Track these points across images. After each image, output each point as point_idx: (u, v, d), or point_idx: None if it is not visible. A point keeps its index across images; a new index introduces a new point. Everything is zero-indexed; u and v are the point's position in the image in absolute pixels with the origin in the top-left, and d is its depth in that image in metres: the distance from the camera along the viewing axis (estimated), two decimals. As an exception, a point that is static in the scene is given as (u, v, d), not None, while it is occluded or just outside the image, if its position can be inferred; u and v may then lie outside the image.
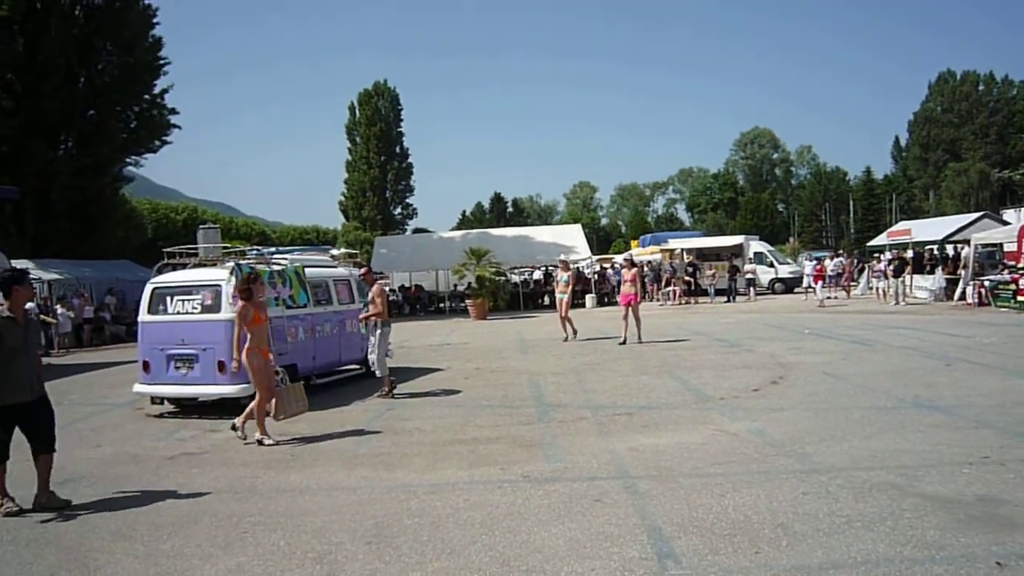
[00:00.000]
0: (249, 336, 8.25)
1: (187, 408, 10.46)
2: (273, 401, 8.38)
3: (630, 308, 15.78)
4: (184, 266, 11.23)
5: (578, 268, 34.54)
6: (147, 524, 5.59)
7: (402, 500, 5.87)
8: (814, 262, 30.20)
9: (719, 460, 6.58)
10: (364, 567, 4.56)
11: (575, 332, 17.22)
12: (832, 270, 30.42)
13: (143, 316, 10.41)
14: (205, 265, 11.04)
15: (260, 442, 8.17)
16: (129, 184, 37.04)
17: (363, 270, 11.77)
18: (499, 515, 5.37)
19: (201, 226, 12.57)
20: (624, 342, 15.53)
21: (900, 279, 23.40)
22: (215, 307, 9.91)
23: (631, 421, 8.38)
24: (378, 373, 10.73)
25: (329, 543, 4.99)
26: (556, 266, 36.65)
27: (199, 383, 9.95)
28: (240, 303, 8.34)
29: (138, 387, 10.38)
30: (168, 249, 11.41)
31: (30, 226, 26.80)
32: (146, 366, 10.22)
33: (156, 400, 10.55)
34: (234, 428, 8.45)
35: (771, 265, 34.16)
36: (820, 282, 26.26)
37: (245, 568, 4.64)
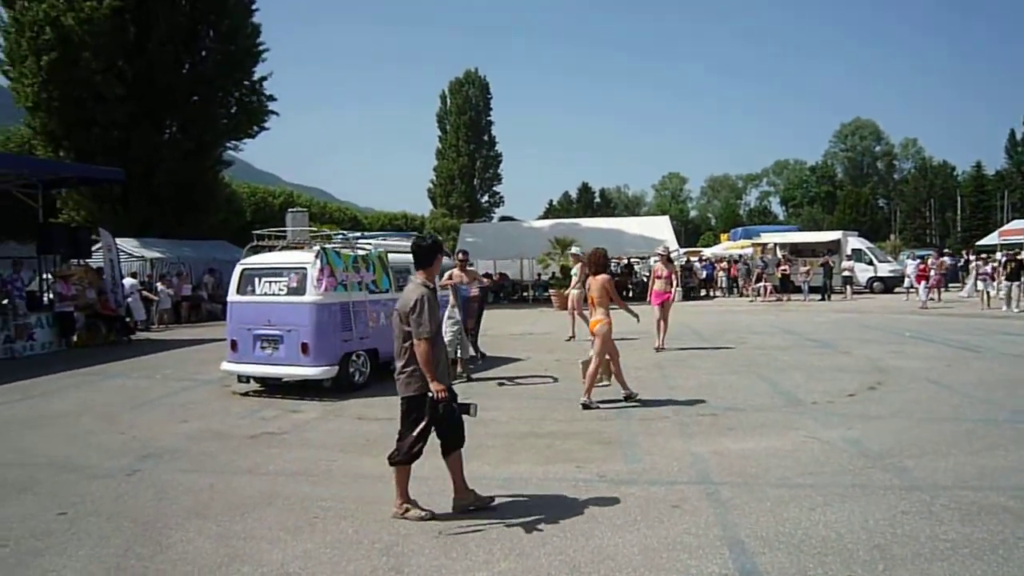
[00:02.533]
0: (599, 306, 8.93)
1: (272, 388, 10.66)
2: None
3: (662, 308, 14.04)
4: (273, 248, 11.44)
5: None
6: (222, 503, 5.65)
7: (474, 493, 5.73)
8: (917, 261, 28.59)
9: (810, 470, 6.18)
10: (430, 562, 4.44)
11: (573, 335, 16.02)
12: (940, 270, 28.69)
13: (232, 296, 10.66)
14: (293, 248, 11.22)
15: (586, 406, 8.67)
16: (229, 168, 38.41)
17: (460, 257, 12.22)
18: (572, 516, 5.16)
19: (290, 210, 12.80)
20: (660, 348, 13.70)
21: (1017, 283, 21.57)
22: (300, 289, 10.04)
23: (716, 422, 8.02)
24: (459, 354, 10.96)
25: (397, 534, 4.91)
26: (642, 258, 36.35)
27: (283, 363, 10.10)
28: (604, 276, 9.15)
29: (225, 365, 10.64)
30: (258, 231, 11.63)
31: (136, 207, 28.06)
32: (234, 345, 10.46)
33: (242, 379, 10.79)
34: (586, 407, 8.71)
35: (870, 263, 32.58)
36: (923, 282, 24.82)
37: (312, 555, 4.59)
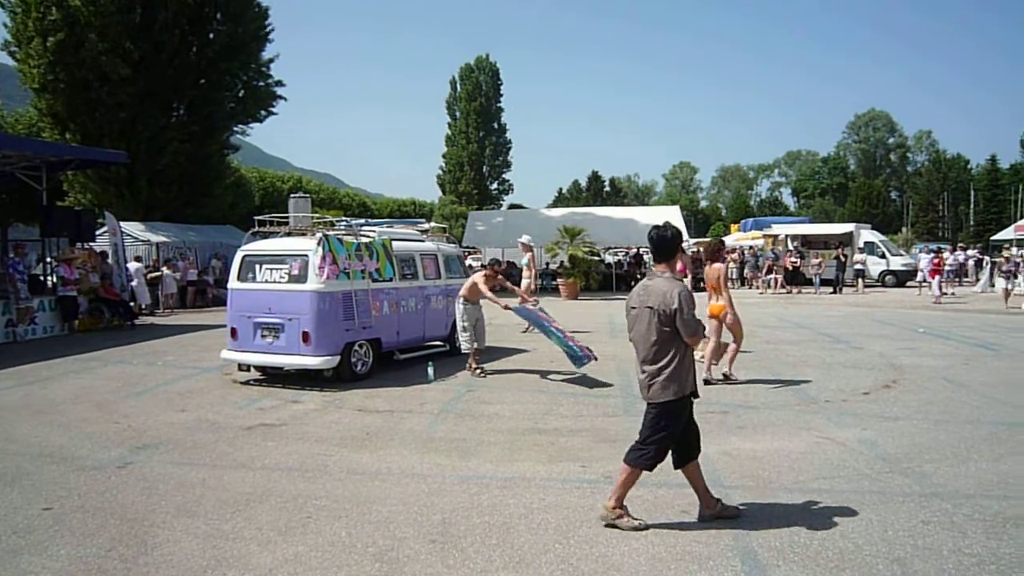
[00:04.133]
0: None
1: (272, 376, 10.47)
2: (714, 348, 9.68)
3: None
4: (275, 235, 11.21)
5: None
6: (213, 500, 5.45)
7: (473, 494, 5.51)
8: (931, 255, 28.18)
9: (824, 474, 5.93)
10: (425, 569, 4.22)
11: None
12: (951, 264, 28.31)
13: (232, 283, 10.45)
14: (295, 235, 10.99)
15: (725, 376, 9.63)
16: (239, 152, 38.22)
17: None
18: (576, 520, 4.94)
19: (292, 195, 12.57)
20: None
21: None
22: (302, 277, 9.82)
23: (725, 420, 7.77)
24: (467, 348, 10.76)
25: (392, 537, 4.69)
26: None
27: (284, 352, 9.90)
28: (719, 264, 9.76)
29: (226, 353, 10.44)
30: (259, 217, 11.40)
31: (142, 190, 27.91)
32: (234, 333, 10.26)
33: (243, 367, 10.59)
34: (725, 377, 9.65)
35: (882, 256, 32.14)
36: (937, 277, 24.43)
37: (302, 559, 4.38)
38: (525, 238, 17.44)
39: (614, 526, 4.77)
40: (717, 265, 9.83)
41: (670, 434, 4.81)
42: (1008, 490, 5.47)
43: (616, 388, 9.60)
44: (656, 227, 5.10)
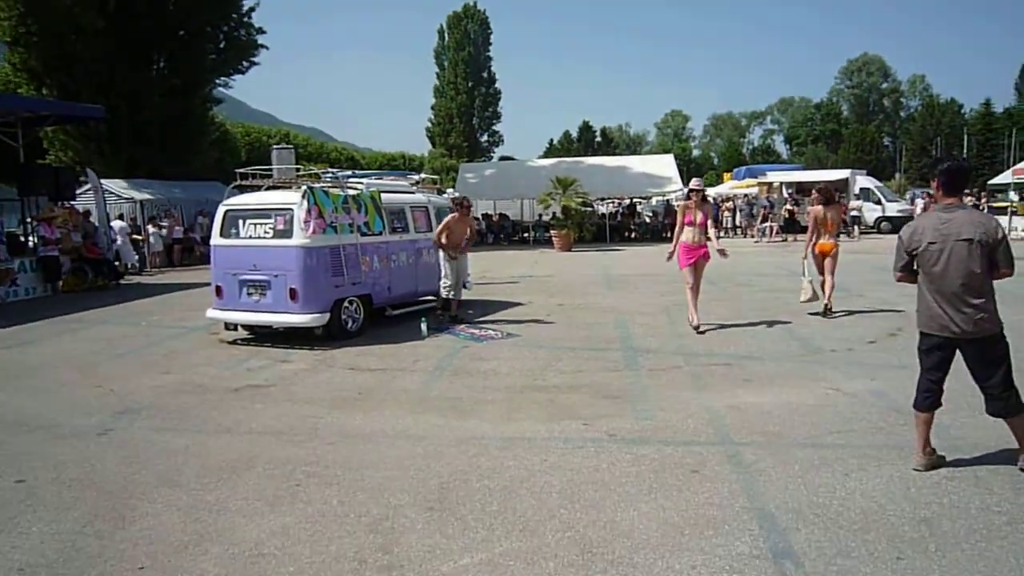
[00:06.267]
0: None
1: (260, 336, 10.15)
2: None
3: (695, 270, 9.87)
4: (258, 188, 10.77)
5: (668, 201, 33.15)
6: (196, 467, 5.16)
7: (472, 456, 5.24)
8: (927, 199, 27.83)
9: (837, 427, 5.68)
10: (422, 540, 3.95)
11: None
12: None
13: (215, 239, 10.06)
14: (279, 187, 10.56)
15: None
16: (223, 107, 37.30)
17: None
18: (580, 483, 4.67)
19: (275, 147, 12.07)
20: (699, 328, 9.77)
21: None
22: (287, 232, 9.43)
23: (730, 373, 7.51)
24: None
25: (387, 505, 4.42)
26: (645, 198, 35.50)
27: (271, 311, 9.56)
28: (834, 206, 10.78)
29: (211, 312, 10.11)
30: (241, 170, 10.93)
31: (123, 147, 27.17)
32: (219, 291, 9.91)
33: (230, 326, 10.26)
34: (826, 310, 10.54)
35: (878, 202, 31.85)
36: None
37: (290, 531, 4.11)
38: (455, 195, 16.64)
39: None
40: (833, 206, 10.89)
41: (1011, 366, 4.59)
42: (1030, 441, 5.21)
43: (616, 341, 9.32)
44: (952, 157, 5.01)
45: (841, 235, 11.54)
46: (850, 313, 10.89)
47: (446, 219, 10.77)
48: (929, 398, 4.76)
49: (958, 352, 4.73)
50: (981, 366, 4.63)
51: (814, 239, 10.85)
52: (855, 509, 4.16)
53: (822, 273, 10.90)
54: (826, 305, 10.68)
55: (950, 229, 4.59)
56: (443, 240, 10.61)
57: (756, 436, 5.51)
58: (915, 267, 4.82)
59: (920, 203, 27.92)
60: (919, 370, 4.91)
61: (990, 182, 38.92)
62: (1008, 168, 38.79)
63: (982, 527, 3.91)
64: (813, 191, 11.96)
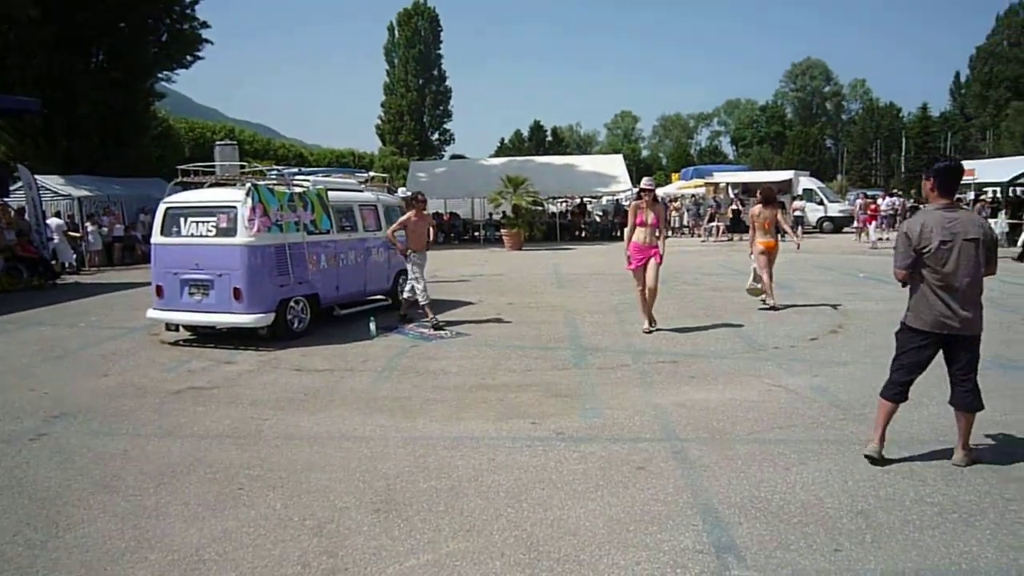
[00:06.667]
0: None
1: (204, 337, 9.92)
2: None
3: (646, 271, 9.54)
4: (201, 185, 10.53)
5: (617, 201, 33.46)
6: (135, 472, 5.01)
7: (419, 456, 5.20)
8: (863, 199, 28.68)
9: (779, 423, 5.80)
10: (368, 542, 3.90)
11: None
12: (886, 210, 28.89)
13: (156, 238, 9.79)
14: (222, 185, 10.34)
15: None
16: (167, 101, 36.32)
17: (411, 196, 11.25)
18: (528, 482, 4.68)
19: (218, 143, 11.83)
20: (650, 330, 9.74)
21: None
22: (231, 230, 9.24)
23: (676, 370, 7.61)
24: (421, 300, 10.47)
25: (332, 508, 4.35)
26: (595, 198, 35.75)
27: (214, 311, 9.36)
28: (773, 207, 11.26)
29: (152, 313, 9.84)
30: (183, 167, 10.67)
31: (60, 141, 26.29)
32: (159, 291, 9.66)
33: (171, 327, 10.01)
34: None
35: (820, 203, 32.67)
36: (874, 223, 24.84)
37: (232, 535, 4.02)
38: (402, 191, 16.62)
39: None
40: (772, 208, 11.33)
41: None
42: (962, 434, 5.39)
43: (566, 340, 9.37)
44: (947, 158, 5.10)
45: (784, 236, 11.74)
46: (790, 307, 11.43)
47: (402, 218, 10.57)
48: (902, 391, 4.90)
49: None
50: (965, 361, 4.78)
51: (755, 237, 11.48)
52: (795, 502, 4.25)
53: (766, 267, 11.35)
54: (764, 298, 11.37)
55: (957, 228, 4.66)
56: (396, 239, 10.42)
57: (701, 432, 5.60)
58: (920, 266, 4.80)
59: (859, 203, 28.74)
60: (892, 361, 5.05)
61: (926, 184, 40.11)
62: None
63: (915, 518, 4.03)
64: (758, 192, 12.34)
